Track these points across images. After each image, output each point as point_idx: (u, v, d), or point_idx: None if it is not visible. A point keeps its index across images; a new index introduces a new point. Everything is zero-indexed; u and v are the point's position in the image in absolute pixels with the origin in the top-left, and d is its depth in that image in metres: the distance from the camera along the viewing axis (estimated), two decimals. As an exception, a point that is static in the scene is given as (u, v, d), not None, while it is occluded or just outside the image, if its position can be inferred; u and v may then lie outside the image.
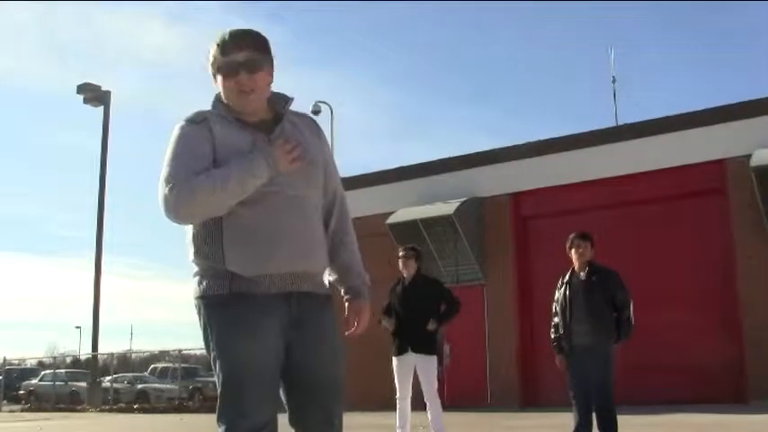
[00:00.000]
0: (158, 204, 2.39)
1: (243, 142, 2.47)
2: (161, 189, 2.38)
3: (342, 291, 2.74)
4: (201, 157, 2.42)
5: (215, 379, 2.51)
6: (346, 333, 2.68)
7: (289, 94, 2.67)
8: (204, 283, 2.48)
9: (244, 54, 2.47)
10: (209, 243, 2.46)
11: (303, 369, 2.51)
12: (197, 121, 2.48)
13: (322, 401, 2.53)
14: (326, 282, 2.68)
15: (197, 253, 2.49)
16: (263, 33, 2.56)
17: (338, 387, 2.56)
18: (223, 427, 2.45)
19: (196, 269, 2.52)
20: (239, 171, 2.37)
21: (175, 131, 2.49)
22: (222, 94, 2.54)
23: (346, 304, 2.72)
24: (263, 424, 2.45)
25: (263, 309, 2.43)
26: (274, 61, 2.58)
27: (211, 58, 2.53)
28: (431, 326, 6.82)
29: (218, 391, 2.46)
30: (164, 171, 2.41)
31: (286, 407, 2.58)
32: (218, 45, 2.51)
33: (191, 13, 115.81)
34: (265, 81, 2.53)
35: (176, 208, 2.36)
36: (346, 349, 2.66)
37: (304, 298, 2.51)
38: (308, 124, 2.69)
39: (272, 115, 2.59)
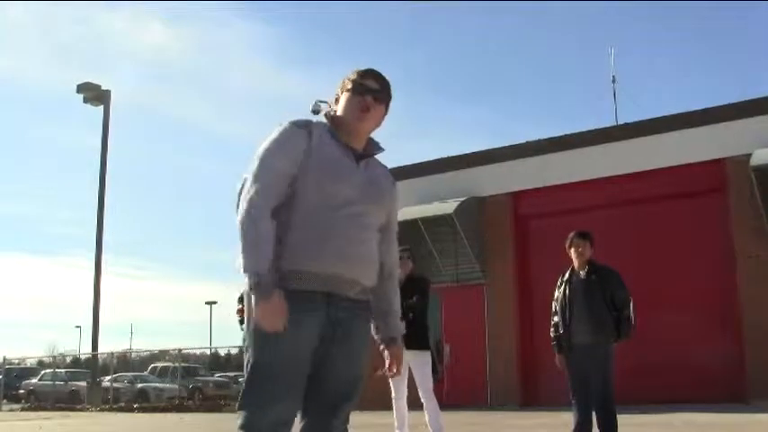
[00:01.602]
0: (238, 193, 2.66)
1: (336, 152, 2.72)
2: (245, 189, 2.62)
3: (378, 334, 2.93)
4: (287, 171, 2.64)
5: (244, 369, 2.65)
6: (381, 372, 2.92)
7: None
8: None
9: (377, 85, 2.81)
10: (278, 238, 2.62)
11: (323, 368, 2.66)
12: (299, 126, 2.73)
13: (334, 401, 2.68)
14: (367, 295, 2.83)
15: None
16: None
17: (353, 391, 2.72)
18: (243, 414, 2.56)
19: None
20: (252, 265, 2.51)
21: (277, 129, 2.72)
22: (342, 110, 2.80)
23: (383, 349, 2.93)
24: (284, 421, 2.57)
25: (304, 305, 2.58)
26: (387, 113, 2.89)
27: (346, 80, 2.83)
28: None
29: (245, 379, 2.60)
30: (253, 169, 2.65)
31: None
32: (357, 71, 2.84)
33: (191, 13, 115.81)
34: (380, 116, 2.84)
35: (239, 218, 2.60)
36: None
37: (342, 301, 2.67)
38: (387, 174, 2.93)
39: (363, 151, 2.83)
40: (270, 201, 2.60)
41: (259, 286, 2.49)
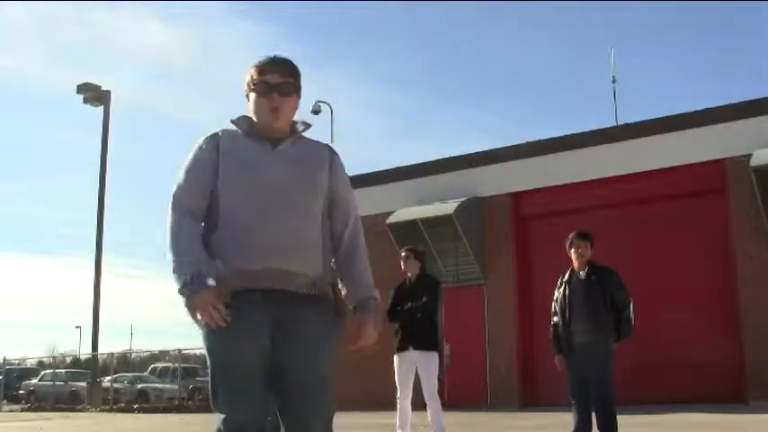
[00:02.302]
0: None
1: (248, 149, 2.70)
2: (169, 203, 2.69)
3: (351, 306, 2.84)
4: (203, 180, 2.70)
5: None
6: (351, 347, 2.78)
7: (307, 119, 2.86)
8: None
9: (279, 77, 2.71)
10: (206, 246, 2.66)
11: (281, 370, 2.61)
12: (208, 138, 2.76)
13: (298, 403, 2.61)
14: (322, 286, 2.73)
15: None
16: (297, 64, 2.81)
17: (315, 391, 2.62)
18: (222, 418, 2.62)
19: None
20: (178, 269, 2.59)
21: (192, 148, 2.77)
22: (252, 111, 2.75)
23: (354, 318, 2.82)
24: (251, 422, 2.59)
25: (243, 310, 2.55)
26: (302, 90, 2.82)
27: (248, 78, 2.75)
28: (407, 305, 6.88)
29: (209, 383, 2.67)
30: (175, 184, 2.72)
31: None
32: (256, 67, 2.74)
33: (191, 13, 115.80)
34: (293, 105, 2.76)
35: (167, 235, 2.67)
36: (335, 351, 2.73)
37: (285, 296, 2.60)
38: (320, 150, 2.84)
39: (286, 135, 2.78)
40: (189, 216, 2.65)
41: (184, 287, 2.55)
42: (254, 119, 2.75)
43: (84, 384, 26.14)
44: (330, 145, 2.90)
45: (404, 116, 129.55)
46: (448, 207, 16.59)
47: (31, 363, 38.00)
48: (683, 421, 10.56)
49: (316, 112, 20.71)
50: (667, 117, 15.53)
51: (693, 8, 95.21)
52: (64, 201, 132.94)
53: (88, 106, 25.86)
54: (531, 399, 15.64)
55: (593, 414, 6.37)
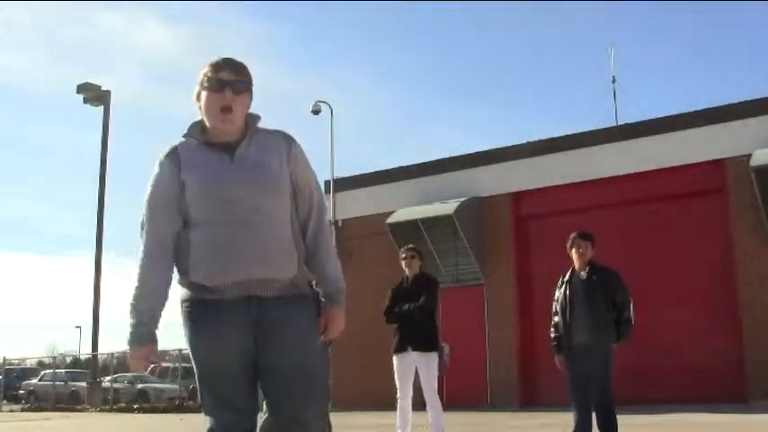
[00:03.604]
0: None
1: (207, 163, 2.71)
2: (140, 233, 2.76)
3: (321, 295, 2.87)
4: (168, 203, 2.72)
5: None
6: (321, 338, 2.80)
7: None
8: (180, 292, 2.76)
9: (233, 75, 2.71)
10: (181, 258, 2.73)
11: (270, 367, 2.66)
12: (167, 156, 2.76)
13: (288, 397, 2.64)
14: (300, 284, 2.77)
15: (175, 265, 2.75)
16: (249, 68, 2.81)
17: (304, 383, 2.65)
18: (211, 420, 2.69)
19: (176, 279, 2.77)
20: (131, 319, 2.69)
21: (154, 169, 2.77)
22: (204, 111, 2.73)
23: (323, 310, 2.83)
24: (237, 423, 2.66)
25: (222, 315, 2.63)
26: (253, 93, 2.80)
27: (201, 77, 2.74)
28: (405, 306, 6.87)
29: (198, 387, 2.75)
30: (142, 213, 2.76)
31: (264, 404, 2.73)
32: (211, 65, 2.74)
33: (190, 13, 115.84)
34: (244, 105, 2.74)
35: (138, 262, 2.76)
36: (324, 347, 2.80)
37: (263, 301, 2.66)
38: (277, 142, 2.80)
39: (241, 136, 2.77)
40: (158, 247, 2.71)
41: (131, 336, 2.64)
42: (206, 121, 2.74)
43: (84, 384, 26.12)
44: (286, 132, 2.86)
45: (404, 116, 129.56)
46: (448, 207, 16.60)
47: (31, 363, 37.96)
48: (684, 421, 10.56)
49: (316, 112, 20.66)
50: (667, 117, 15.56)
51: (694, 8, 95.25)
52: (64, 201, 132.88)
53: (88, 106, 25.84)
54: (531, 399, 15.66)
55: (594, 414, 6.37)
